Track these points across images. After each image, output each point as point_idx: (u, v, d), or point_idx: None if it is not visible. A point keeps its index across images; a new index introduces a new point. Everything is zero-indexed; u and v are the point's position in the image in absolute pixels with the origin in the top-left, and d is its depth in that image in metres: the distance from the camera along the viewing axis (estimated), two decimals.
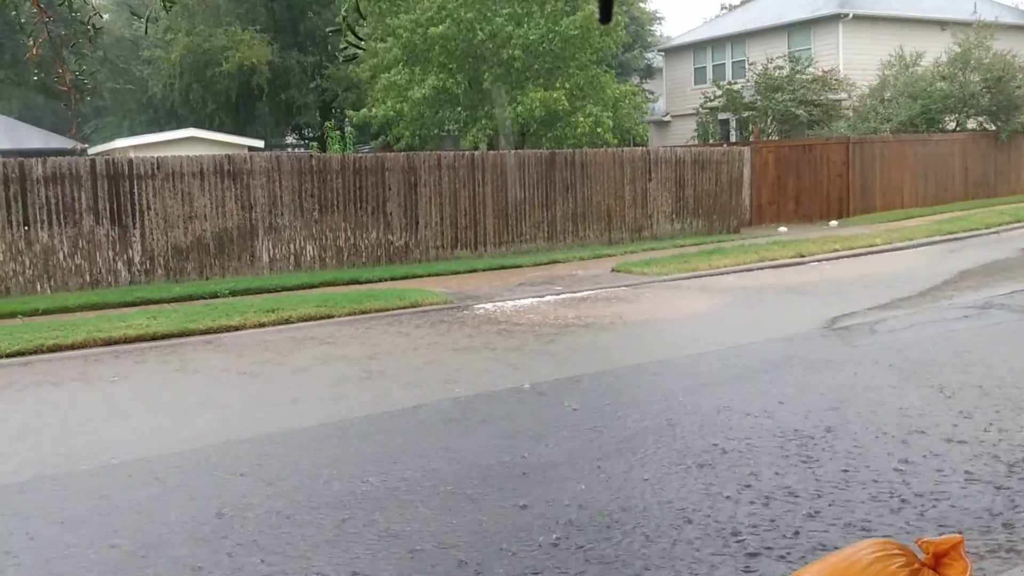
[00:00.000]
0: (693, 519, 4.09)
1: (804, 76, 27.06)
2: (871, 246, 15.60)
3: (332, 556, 3.86)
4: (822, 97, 27.04)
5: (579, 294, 11.98)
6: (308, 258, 15.16)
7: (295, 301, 11.39)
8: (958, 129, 26.27)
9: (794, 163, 22.01)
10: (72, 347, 9.14)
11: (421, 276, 14.16)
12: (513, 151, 17.84)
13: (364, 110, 21.89)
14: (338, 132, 23.30)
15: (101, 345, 9.24)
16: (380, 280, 13.78)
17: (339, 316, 10.59)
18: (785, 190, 22.06)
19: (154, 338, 9.54)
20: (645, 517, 4.14)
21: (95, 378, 7.97)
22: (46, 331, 9.67)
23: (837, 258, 14.65)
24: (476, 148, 20.70)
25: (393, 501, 4.47)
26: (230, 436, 5.79)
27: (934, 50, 26.52)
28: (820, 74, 27.21)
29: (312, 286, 13.31)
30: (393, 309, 10.95)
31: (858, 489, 4.37)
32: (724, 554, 3.72)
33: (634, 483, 4.59)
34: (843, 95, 27.40)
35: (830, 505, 4.19)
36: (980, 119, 26.34)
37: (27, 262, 13.06)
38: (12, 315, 11.26)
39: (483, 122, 20.66)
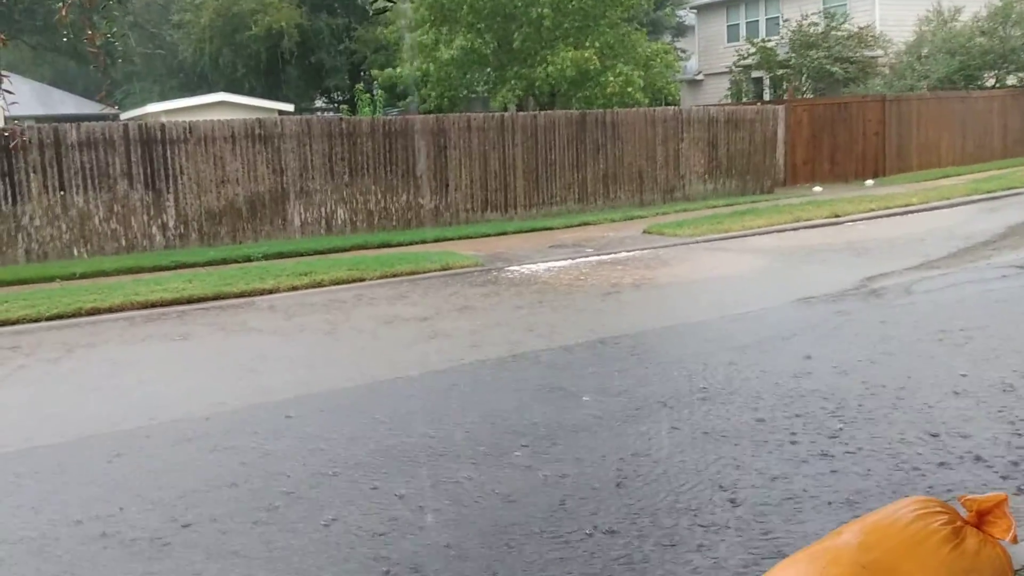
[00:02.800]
0: (723, 483, 4.08)
1: (839, 33, 26.54)
2: (907, 205, 15.35)
3: (368, 512, 3.90)
4: (858, 54, 26.52)
5: (611, 256, 11.92)
6: (339, 222, 15.21)
7: (327, 264, 11.45)
8: (998, 86, 25.68)
9: (829, 122, 21.67)
10: (110, 310, 9.27)
11: (451, 239, 14.16)
12: (543, 112, 17.71)
13: (389, 70, 21.78)
14: (368, 95, 23.23)
15: (138, 308, 9.36)
16: (411, 243, 13.80)
17: (371, 279, 10.63)
18: (820, 149, 21.75)
19: (190, 301, 9.65)
20: (664, 482, 4.13)
21: (132, 341, 8.07)
22: (84, 295, 9.81)
23: (873, 218, 14.44)
24: (505, 109, 20.57)
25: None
26: (273, 396, 5.84)
27: (973, 5, 25.86)
28: (856, 31, 26.67)
29: (343, 249, 13.37)
30: (424, 272, 10.97)
31: (893, 451, 4.33)
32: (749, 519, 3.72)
33: (661, 450, 4.58)
34: (879, 52, 26.86)
35: (866, 470, 4.16)
36: (1021, 75, 25.72)
37: (64, 227, 13.22)
38: (51, 279, 11.44)
39: (512, 83, 20.49)
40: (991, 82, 25.87)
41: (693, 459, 4.33)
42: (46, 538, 3.83)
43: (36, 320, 8.90)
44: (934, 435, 4.47)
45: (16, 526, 3.97)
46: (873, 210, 14.99)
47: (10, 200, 12.84)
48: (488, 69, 21.46)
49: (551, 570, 3.31)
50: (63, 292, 10.16)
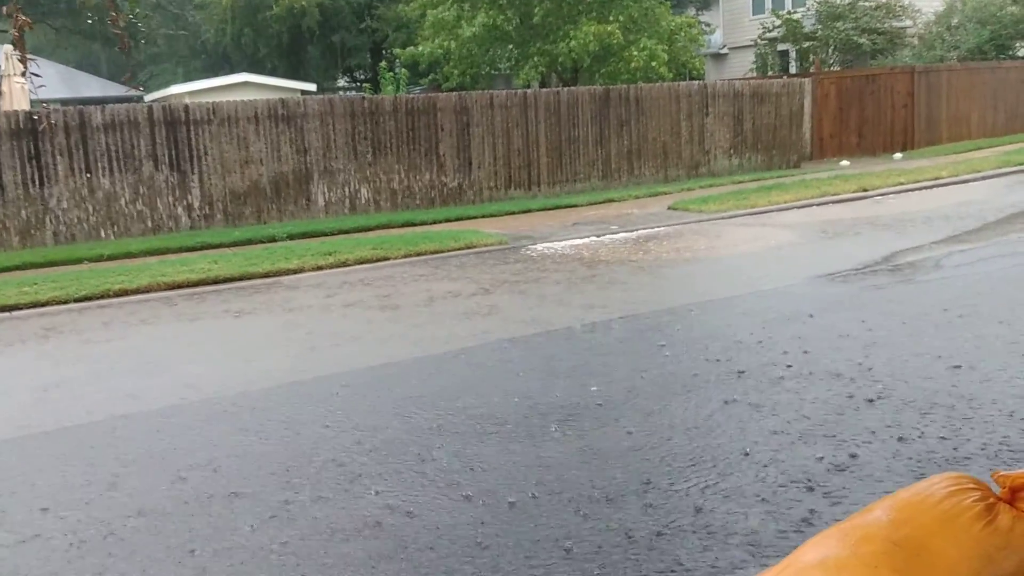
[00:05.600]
0: (749, 457, 4.06)
1: (867, 3, 26.15)
2: (936, 179, 15.15)
3: (395, 493, 3.91)
4: (886, 25, 26.14)
5: (636, 233, 11.87)
6: (363, 201, 15.23)
7: (351, 244, 11.48)
8: None
9: (857, 94, 21.37)
10: (137, 291, 9.34)
11: (475, 217, 14.14)
12: (566, 88, 17.59)
13: (411, 48, 21.72)
14: (391, 73, 23.20)
15: (165, 289, 9.44)
16: (434, 222, 13.80)
17: (395, 259, 10.64)
18: (847, 123, 21.48)
19: (216, 282, 9.71)
20: (702, 456, 4.11)
21: (161, 321, 8.14)
22: (111, 276, 9.90)
23: (901, 192, 14.26)
24: (528, 86, 20.46)
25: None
26: (297, 376, 5.88)
27: None
28: (884, 1, 26.26)
29: (368, 229, 13.39)
30: (449, 251, 10.97)
31: (920, 429, 4.28)
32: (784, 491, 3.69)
33: (691, 424, 4.55)
34: (908, 22, 26.45)
35: (887, 458, 4.12)
36: None
37: (90, 208, 13.33)
38: (78, 261, 11.55)
39: (535, 59, 20.36)
40: (1023, 52, 25.40)
41: (730, 429, 4.31)
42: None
43: (65, 302, 8.99)
44: (952, 410, 4.42)
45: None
46: (901, 184, 14.81)
47: (38, 183, 12.96)
48: (510, 46, 21.35)
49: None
50: (91, 274, 10.26)
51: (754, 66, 29.33)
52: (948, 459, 3.87)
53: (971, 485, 2.22)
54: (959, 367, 5.12)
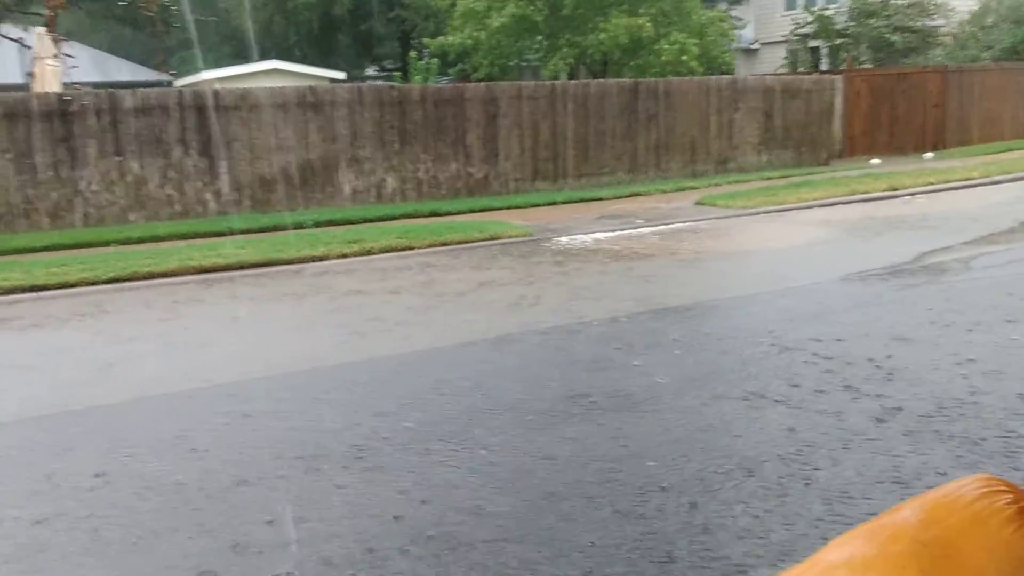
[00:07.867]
0: (763, 462, 4.03)
1: (900, 1, 25.84)
2: (967, 179, 14.96)
3: (417, 478, 3.93)
4: (919, 23, 25.83)
5: (661, 227, 11.81)
6: (389, 190, 15.24)
7: (376, 233, 11.50)
8: None
9: (888, 93, 21.12)
10: (164, 275, 9.42)
11: (500, 209, 14.12)
12: (595, 80, 17.52)
13: (441, 38, 21.69)
14: (421, 63, 23.19)
15: (192, 273, 9.50)
16: (459, 212, 13.79)
17: (420, 248, 10.66)
18: (878, 121, 21.23)
19: (242, 267, 9.76)
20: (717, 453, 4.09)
21: (187, 305, 8.20)
22: (140, 259, 9.97)
23: (932, 192, 14.10)
24: (556, 78, 20.41)
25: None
26: (317, 363, 5.91)
27: None
28: None
29: (393, 218, 13.41)
30: (473, 241, 10.97)
31: (938, 431, 4.24)
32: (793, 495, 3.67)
33: (706, 421, 4.53)
34: (941, 21, 26.12)
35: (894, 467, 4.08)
36: None
37: (119, 192, 13.43)
38: (107, 244, 11.65)
39: (564, 51, 20.29)
40: None
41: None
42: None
43: (93, 283, 9.07)
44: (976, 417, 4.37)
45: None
46: (932, 183, 14.64)
47: (68, 165, 13.07)
48: (539, 37, 21.28)
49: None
50: (119, 256, 10.34)
51: (785, 62, 29.08)
52: (975, 460, 3.83)
53: (1003, 487, 2.18)
54: (987, 368, 5.06)
